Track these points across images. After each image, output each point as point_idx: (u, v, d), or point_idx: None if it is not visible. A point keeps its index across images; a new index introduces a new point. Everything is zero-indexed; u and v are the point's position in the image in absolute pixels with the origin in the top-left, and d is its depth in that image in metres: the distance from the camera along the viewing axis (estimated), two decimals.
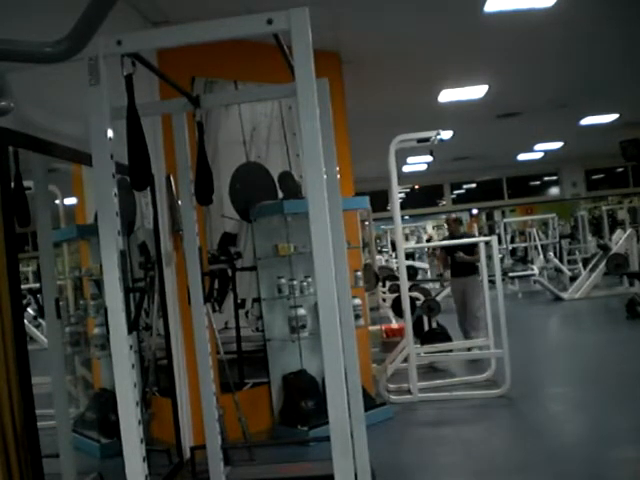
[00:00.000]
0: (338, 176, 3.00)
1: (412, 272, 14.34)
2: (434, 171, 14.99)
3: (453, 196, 18.28)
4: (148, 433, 3.99)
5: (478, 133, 11.14)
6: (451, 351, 6.78)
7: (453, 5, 5.08)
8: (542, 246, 15.58)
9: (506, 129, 10.92)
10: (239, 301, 5.66)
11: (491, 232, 18.30)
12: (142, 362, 4.42)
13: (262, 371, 5.29)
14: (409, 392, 5.88)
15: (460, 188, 18.44)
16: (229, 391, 4.67)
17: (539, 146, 13.61)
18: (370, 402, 5.02)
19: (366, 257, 7.70)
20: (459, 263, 7.74)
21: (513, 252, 18.21)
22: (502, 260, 14.33)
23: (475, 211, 19.77)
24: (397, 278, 7.56)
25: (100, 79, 2.02)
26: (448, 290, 8.85)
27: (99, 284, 3.67)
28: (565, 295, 12.38)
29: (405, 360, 5.92)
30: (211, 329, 3.94)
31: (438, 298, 7.92)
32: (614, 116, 10.59)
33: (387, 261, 14.42)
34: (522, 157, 14.79)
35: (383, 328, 8.00)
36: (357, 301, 5.10)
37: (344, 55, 5.93)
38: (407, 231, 17.66)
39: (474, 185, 18.22)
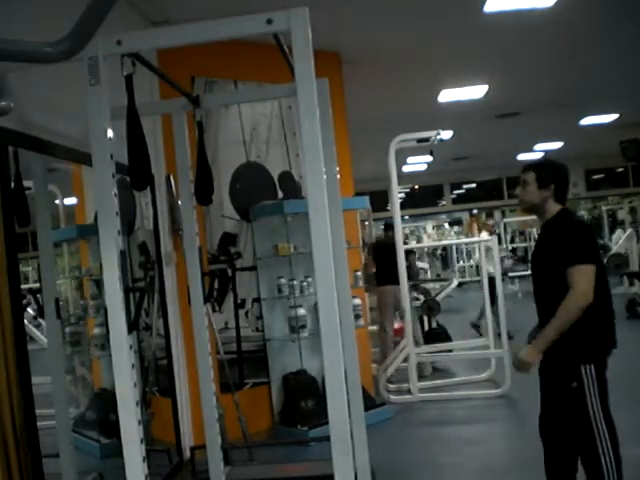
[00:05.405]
0: (338, 176, 3.00)
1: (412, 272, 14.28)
2: (434, 171, 14.97)
3: (453, 196, 18.27)
4: (148, 433, 3.99)
5: (478, 133, 11.12)
6: (451, 351, 6.78)
7: (453, 5, 5.08)
8: None
9: (506, 129, 10.91)
10: (239, 301, 5.65)
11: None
12: (142, 362, 4.42)
13: (262, 371, 5.29)
14: (409, 392, 5.88)
15: (460, 188, 18.42)
16: (229, 391, 4.66)
17: (539, 146, 13.59)
18: (370, 402, 5.03)
19: (366, 257, 7.69)
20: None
21: (513, 252, 18.19)
22: (502, 260, 14.29)
23: (475, 211, 19.75)
24: None
25: (100, 79, 2.01)
26: (448, 290, 8.84)
27: (99, 284, 3.66)
28: None
29: (405, 360, 5.92)
30: (211, 329, 3.94)
31: (438, 298, 7.92)
32: (614, 116, 10.58)
33: None
34: (522, 157, 14.76)
35: None
36: (357, 301, 5.10)
37: (344, 55, 5.93)
38: (407, 231, 17.64)
39: (474, 185, 18.20)
